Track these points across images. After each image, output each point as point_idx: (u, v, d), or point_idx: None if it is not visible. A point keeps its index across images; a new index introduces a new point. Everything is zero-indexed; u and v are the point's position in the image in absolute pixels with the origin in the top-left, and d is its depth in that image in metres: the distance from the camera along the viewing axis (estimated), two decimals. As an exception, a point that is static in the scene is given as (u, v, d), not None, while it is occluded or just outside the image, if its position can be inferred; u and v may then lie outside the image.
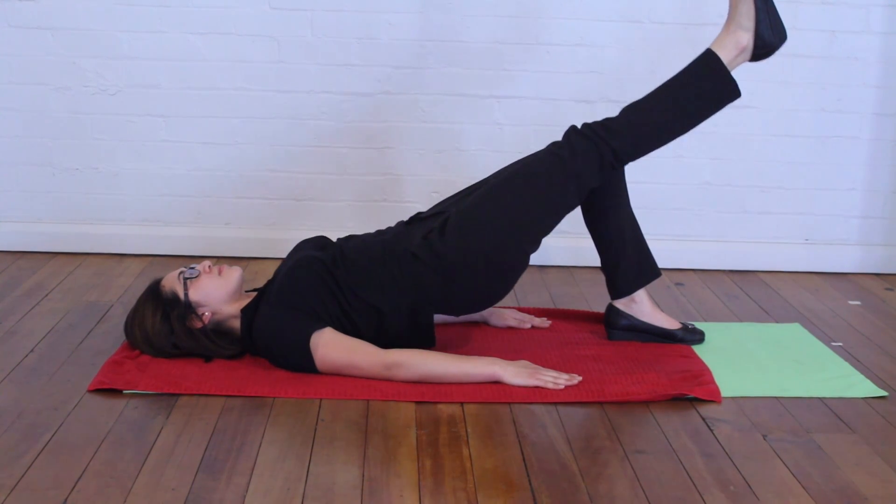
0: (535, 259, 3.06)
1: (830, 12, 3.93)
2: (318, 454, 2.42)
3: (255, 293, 3.06)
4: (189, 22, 3.90)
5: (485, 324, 3.32)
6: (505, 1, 3.90)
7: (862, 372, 3.01)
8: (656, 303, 3.32)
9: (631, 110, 2.97)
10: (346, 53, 3.93)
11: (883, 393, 2.86)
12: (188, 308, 2.93)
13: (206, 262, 3.01)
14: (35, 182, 4.01)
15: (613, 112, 2.99)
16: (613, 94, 3.92)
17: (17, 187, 4.02)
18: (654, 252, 3.19)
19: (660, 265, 3.20)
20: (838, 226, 4.11)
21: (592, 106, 3.93)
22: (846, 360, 3.10)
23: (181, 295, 2.94)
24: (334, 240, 3.16)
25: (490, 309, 3.30)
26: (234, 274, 3.00)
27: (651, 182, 3.99)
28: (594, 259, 3.20)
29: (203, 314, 2.95)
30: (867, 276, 4.05)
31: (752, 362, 3.06)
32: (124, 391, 2.73)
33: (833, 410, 2.75)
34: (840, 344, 3.26)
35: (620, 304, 3.17)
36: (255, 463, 2.37)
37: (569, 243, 3.94)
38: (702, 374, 2.90)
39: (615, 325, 3.18)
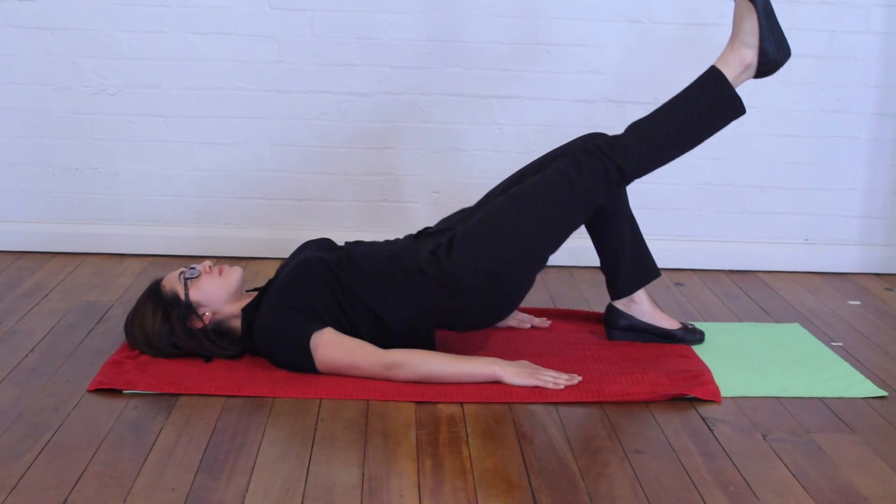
0: (535, 259, 3.06)
1: (830, 12, 3.93)
2: (318, 454, 2.42)
3: (255, 293, 3.06)
4: (189, 22, 3.89)
5: (485, 324, 3.32)
6: (505, 1, 3.89)
7: (862, 372, 3.01)
8: (656, 303, 3.32)
9: (636, 129, 2.95)
10: (346, 53, 3.93)
11: (883, 393, 2.86)
12: (189, 308, 2.93)
13: (207, 262, 3.01)
14: (35, 182, 4.01)
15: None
16: (613, 94, 3.92)
17: (16, 187, 4.02)
18: (654, 252, 3.19)
19: (660, 265, 3.20)
20: (838, 226, 4.11)
21: (592, 106, 3.92)
22: (846, 360, 3.10)
23: (182, 295, 2.94)
24: (340, 243, 3.16)
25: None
26: (234, 274, 3.00)
27: (651, 182, 3.97)
28: (594, 259, 3.21)
29: (203, 314, 2.95)
30: (867, 276, 4.05)
31: (752, 362, 3.06)
32: (124, 391, 2.73)
33: (833, 410, 2.75)
34: (840, 344, 3.26)
35: (620, 304, 3.17)
36: (254, 463, 2.37)
37: (569, 243, 3.88)
38: (702, 374, 2.90)
39: (615, 326, 3.18)
